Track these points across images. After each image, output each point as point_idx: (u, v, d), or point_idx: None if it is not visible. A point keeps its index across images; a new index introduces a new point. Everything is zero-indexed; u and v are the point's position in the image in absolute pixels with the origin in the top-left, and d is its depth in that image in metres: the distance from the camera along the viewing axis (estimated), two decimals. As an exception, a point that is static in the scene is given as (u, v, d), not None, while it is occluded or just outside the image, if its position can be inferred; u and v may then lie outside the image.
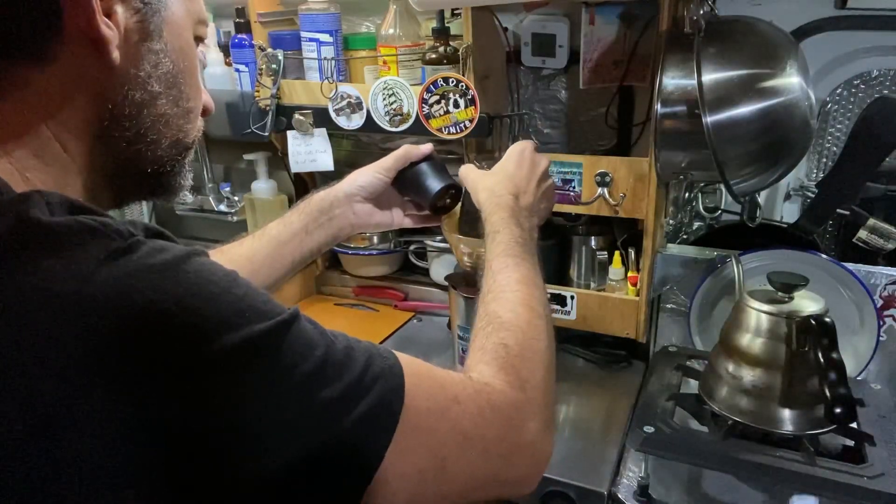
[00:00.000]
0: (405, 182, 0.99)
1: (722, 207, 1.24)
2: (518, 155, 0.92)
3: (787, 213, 1.30)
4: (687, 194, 1.19)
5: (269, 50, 1.34)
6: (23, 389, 0.39)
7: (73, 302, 0.40)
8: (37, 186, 0.47)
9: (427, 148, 1.00)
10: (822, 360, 0.89)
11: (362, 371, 0.49)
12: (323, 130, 1.34)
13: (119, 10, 0.49)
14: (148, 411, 0.40)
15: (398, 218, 1.03)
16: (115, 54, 0.48)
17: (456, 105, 1.17)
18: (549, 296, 0.78)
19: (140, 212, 1.80)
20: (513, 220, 0.83)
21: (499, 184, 0.88)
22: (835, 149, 1.23)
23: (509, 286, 0.74)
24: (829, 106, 1.21)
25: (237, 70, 1.40)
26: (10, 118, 0.47)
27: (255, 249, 0.91)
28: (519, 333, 0.68)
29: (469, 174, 0.94)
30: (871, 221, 1.09)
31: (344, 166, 1.48)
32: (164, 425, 0.40)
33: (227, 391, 0.42)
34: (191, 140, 0.58)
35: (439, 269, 1.49)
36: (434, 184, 0.98)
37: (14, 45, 0.46)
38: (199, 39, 0.58)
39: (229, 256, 0.90)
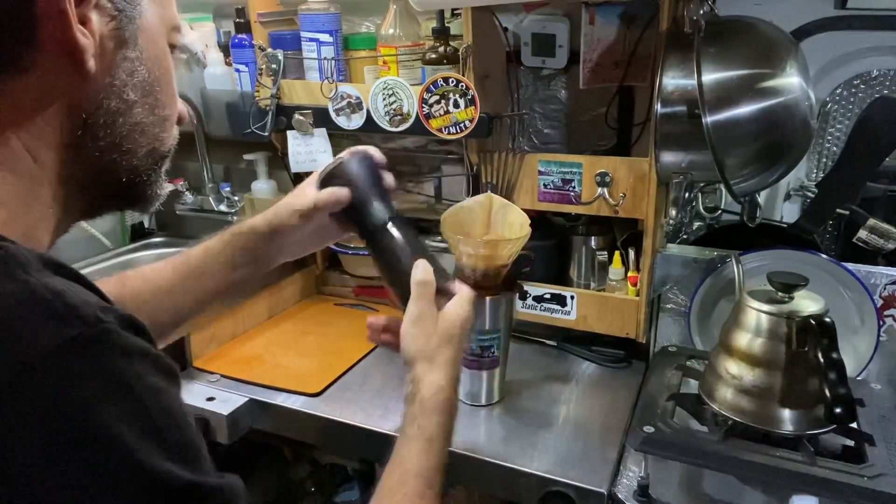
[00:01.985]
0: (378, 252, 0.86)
1: (722, 207, 1.24)
2: (461, 327, 0.79)
3: (787, 213, 1.30)
4: (687, 194, 1.19)
5: (269, 50, 1.34)
6: None
7: (9, 394, 0.37)
8: (3, 201, 0.46)
9: (344, 194, 0.85)
10: (822, 360, 0.89)
11: None
12: (323, 130, 1.34)
13: (94, 17, 0.47)
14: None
15: (334, 235, 0.93)
16: (91, 63, 0.47)
17: (456, 105, 1.17)
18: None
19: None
20: (449, 430, 0.75)
21: (440, 360, 0.77)
22: (835, 149, 1.23)
23: None
24: (829, 106, 1.21)
25: (237, 70, 1.40)
26: None
27: (172, 282, 0.85)
28: None
29: (408, 341, 0.78)
30: (871, 221, 1.09)
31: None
32: None
33: None
34: (167, 149, 0.57)
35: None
36: (405, 264, 0.82)
37: None
38: (172, 46, 0.57)
39: (143, 285, 0.84)
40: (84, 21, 0.47)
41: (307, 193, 0.87)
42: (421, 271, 0.80)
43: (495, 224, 1.09)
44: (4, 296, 0.39)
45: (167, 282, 0.85)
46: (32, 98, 0.47)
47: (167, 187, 0.59)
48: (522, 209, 1.09)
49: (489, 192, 1.15)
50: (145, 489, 0.39)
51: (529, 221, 1.05)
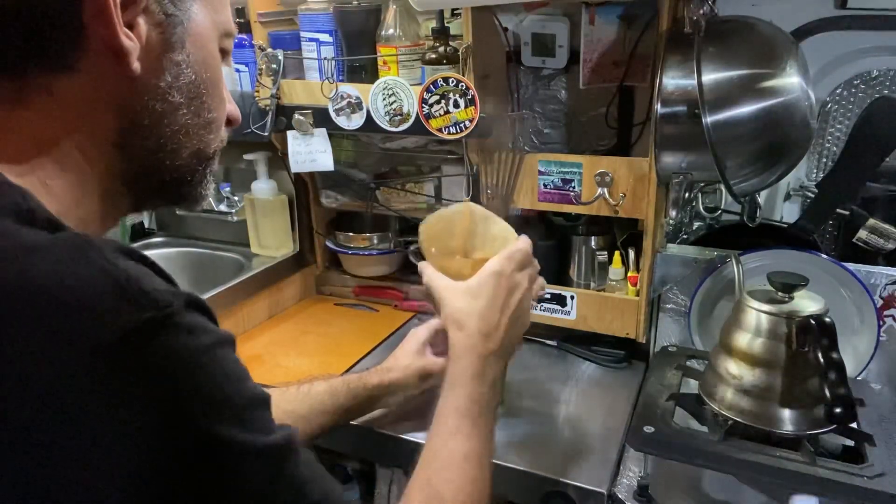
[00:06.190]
0: None
1: (722, 207, 1.24)
2: (494, 282, 0.83)
3: (787, 213, 1.30)
4: (687, 194, 1.19)
5: (269, 50, 1.34)
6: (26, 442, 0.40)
7: (95, 370, 0.40)
8: (56, 193, 0.48)
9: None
10: (822, 360, 0.89)
11: None
12: (323, 130, 1.34)
13: (141, 21, 0.49)
14: (130, 462, 0.42)
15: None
16: (136, 65, 0.49)
17: (456, 105, 1.17)
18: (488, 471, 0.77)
19: (139, 214, 1.80)
20: (477, 372, 0.79)
21: (469, 318, 0.82)
22: (835, 149, 1.23)
23: (457, 462, 0.73)
24: (829, 106, 1.21)
25: (237, 70, 1.40)
26: (32, 126, 0.48)
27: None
28: None
29: (438, 284, 0.87)
30: (871, 221, 1.09)
31: (344, 166, 1.49)
32: (140, 481, 0.42)
33: (199, 477, 0.44)
34: (212, 151, 0.58)
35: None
36: None
37: (37, 55, 0.47)
38: (224, 52, 0.58)
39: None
40: (131, 25, 0.49)
41: (432, 361, 1.03)
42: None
43: (475, 237, 0.98)
44: (84, 278, 0.42)
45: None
46: (81, 98, 0.49)
47: (212, 187, 0.61)
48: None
49: (468, 201, 1.10)
50: (211, 451, 0.44)
51: (516, 235, 0.94)
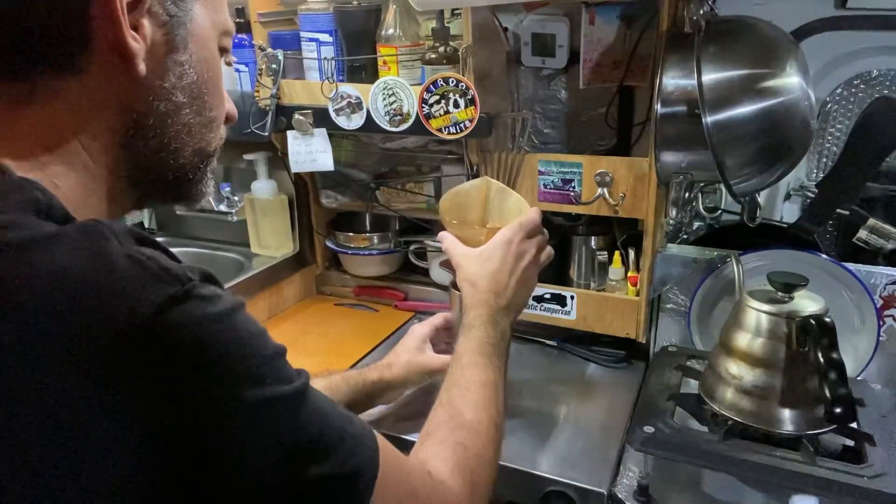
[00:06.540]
0: None
1: (722, 207, 1.24)
2: (504, 248, 0.93)
3: (787, 213, 1.30)
4: (687, 194, 1.18)
5: (269, 50, 1.33)
6: (59, 424, 0.41)
7: (132, 344, 0.42)
8: (64, 192, 0.49)
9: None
10: (822, 360, 0.89)
11: (346, 457, 0.53)
12: (323, 130, 1.34)
13: (146, 23, 0.50)
14: (167, 431, 0.43)
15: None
16: (142, 67, 0.50)
17: (456, 105, 1.17)
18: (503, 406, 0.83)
19: (140, 212, 1.80)
20: (490, 319, 0.88)
21: (482, 279, 0.91)
22: (835, 149, 1.23)
23: (475, 386, 0.79)
24: (829, 106, 1.21)
25: (237, 70, 1.40)
26: (40, 126, 0.49)
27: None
28: (477, 438, 0.73)
29: (455, 251, 0.97)
30: (871, 221, 1.09)
31: (344, 166, 1.49)
32: (177, 446, 0.44)
33: (239, 432, 0.47)
34: (213, 148, 0.60)
35: (439, 269, 1.49)
36: None
37: (45, 55, 0.48)
38: (223, 50, 0.59)
39: None
40: (136, 27, 0.49)
41: (433, 358, 1.06)
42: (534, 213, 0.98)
43: (492, 209, 1.07)
44: (108, 260, 0.43)
45: None
46: (88, 99, 0.50)
47: (212, 185, 0.62)
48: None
49: (486, 175, 1.14)
50: (245, 405, 0.47)
51: (529, 206, 1.02)
